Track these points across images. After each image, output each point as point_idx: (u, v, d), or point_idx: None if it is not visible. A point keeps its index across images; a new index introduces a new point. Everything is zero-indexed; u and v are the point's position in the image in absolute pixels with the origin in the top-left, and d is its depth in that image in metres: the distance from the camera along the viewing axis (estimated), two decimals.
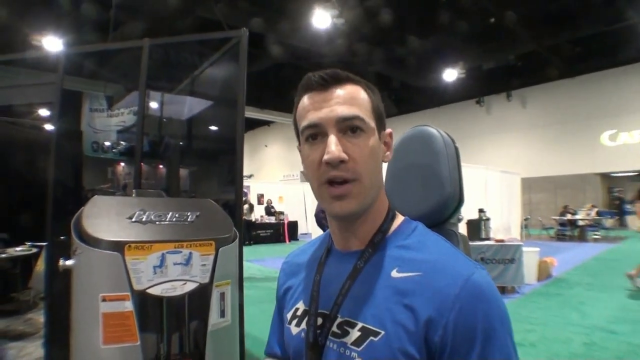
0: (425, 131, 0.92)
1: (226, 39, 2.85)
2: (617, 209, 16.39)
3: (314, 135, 0.66)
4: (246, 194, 14.71)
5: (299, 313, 0.76)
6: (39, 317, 4.30)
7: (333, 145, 0.62)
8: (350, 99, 0.66)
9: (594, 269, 7.78)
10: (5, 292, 4.84)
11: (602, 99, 16.20)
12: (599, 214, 13.66)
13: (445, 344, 0.56)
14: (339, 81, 0.67)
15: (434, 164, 0.86)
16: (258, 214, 15.00)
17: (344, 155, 0.63)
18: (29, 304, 4.81)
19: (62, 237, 2.19)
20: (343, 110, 0.64)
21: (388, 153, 0.74)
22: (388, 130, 0.74)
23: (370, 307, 0.64)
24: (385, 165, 0.84)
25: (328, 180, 0.64)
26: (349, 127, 0.65)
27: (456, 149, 0.90)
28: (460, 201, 0.88)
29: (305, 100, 0.68)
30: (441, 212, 0.86)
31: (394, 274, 0.65)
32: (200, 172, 4.13)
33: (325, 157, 0.63)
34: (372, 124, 0.67)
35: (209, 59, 3.25)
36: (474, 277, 0.60)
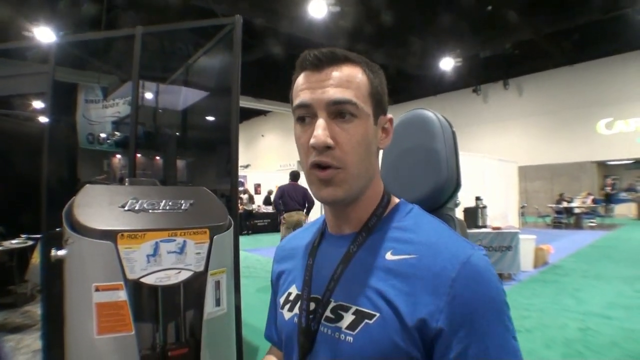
0: (422, 114, 0.90)
1: (220, 27, 2.80)
2: (605, 196, 16.44)
3: (304, 116, 0.64)
4: (242, 184, 14.70)
5: (291, 298, 0.75)
6: (36, 309, 4.30)
7: (320, 129, 0.60)
8: (345, 81, 0.62)
9: (589, 256, 7.82)
10: (3, 285, 4.83)
11: (599, 87, 16.19)
12: (594, 201, 13.72)
13: (442, 329, 0.55)
14: (335, 61, 0.64)
15: (431, 148, 0.85)
16: (256, 203, 15.03)
17: (329, 141, 0.61)
18: (27, 297, 4.80)
19: (57, 229, 2.17)
20: (335, 93, 0.61)
21: (386, 139, 0.71)
22: (388, 116, 0.71)
23: (365, 291, 0.62)
24: (381, 151, 0.82)
25: (314, 164, 0.63)
26: (340, 111, 0.62)
27: (453, 133, 0.88)
28: (457, 185, 0.86)
29: (300, 79, 0.66)
30: (438, 196, 0.85)
31: (389, 256, 0.64)
32: (197, 162, 4.10)
33: (311, 141, 0.61)
34: (368, 109, 0.64)
35: (204, 47, 3.21)
36: (472, 260, 0.58)
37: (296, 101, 0.65)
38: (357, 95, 0.63)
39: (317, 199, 0.66)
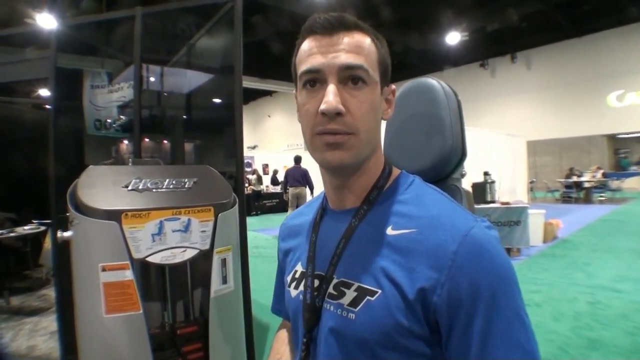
0: (425, 83, 0.88)
1: (221, 4, 2.75)
2: None
3: (312, 81, 0.61)
4: (250, 165, 14.74)
5: (297, 275, 0.74)
6: (52, 292, 4.39)
7: (331, 95, 0.58)
8: (356, 47, 0.60)
9: (599, 230, 7.78)
10: (19, 270, 4.94)
11: (610, 59, 15.79)
12: (604, 175, 13.55)
13: (444, 305, 0.54)
14: (346, 27, 0.61)
15: (435, 116, 0.82)
16: (264, 184, 15.10)
17: (341, 107, 0.58)
18: (42, 281, 4.91)
19: (67, 214, 2.20)
20: (348, 58, 0.59)
21: (389, 110, 0.69)
22: (392, 86, 0.69)
23: (366, 267, 0.61)
24: (384, 122, 0.79)
25: (322, 132, 0.60)
26: (351, 77, 0.60)
27: (458, 101, 0.86)
28: (463, 155, 0.84)
29: (308, 43, 0.63)
30: (443, 166, 0.83)
31: (390, 231, 0.62)
32: (205, 145, 4.10)
33: (322, 106, 0.58)
34: (376, 77, 0.63)
35: (205, 27, 3.17)
36: (473, 232, 0.56)
37: (304, 66, 0.62)
38: (368, 62, 0.61)
39: (323, 163, 0.63)
